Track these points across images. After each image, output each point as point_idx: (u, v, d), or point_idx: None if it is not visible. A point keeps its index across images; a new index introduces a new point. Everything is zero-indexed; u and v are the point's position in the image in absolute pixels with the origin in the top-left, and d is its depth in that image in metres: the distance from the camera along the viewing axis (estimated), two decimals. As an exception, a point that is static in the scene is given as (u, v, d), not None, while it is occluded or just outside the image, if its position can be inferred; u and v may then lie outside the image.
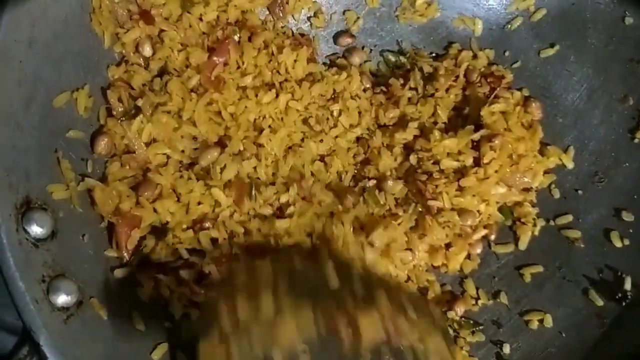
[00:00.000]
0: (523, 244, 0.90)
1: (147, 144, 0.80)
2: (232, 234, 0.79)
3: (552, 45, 0.93)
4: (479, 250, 0.89)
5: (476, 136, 0.84)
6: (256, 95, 0.85)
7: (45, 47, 0.71)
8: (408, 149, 0.90)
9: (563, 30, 0.93)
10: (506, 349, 0.85)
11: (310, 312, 0.57)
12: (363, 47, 0.98)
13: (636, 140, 0.87)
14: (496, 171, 0.84)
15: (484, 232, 0.90)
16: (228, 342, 0.57)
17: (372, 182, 0.88)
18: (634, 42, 0.87)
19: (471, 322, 0.86)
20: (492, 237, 0.91)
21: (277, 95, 0.86)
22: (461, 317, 0.86)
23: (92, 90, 0.79)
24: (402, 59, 0.97)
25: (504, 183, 0.89)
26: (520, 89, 0.91)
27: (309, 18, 0.97)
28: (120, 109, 0.81)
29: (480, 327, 0.86)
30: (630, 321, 0.80)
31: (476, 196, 0.84)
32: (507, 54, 0.96)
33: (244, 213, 0.80)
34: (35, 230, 0.65)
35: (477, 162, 0.84)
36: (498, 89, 0.89)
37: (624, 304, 0.81)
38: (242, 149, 0.83)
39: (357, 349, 0.54)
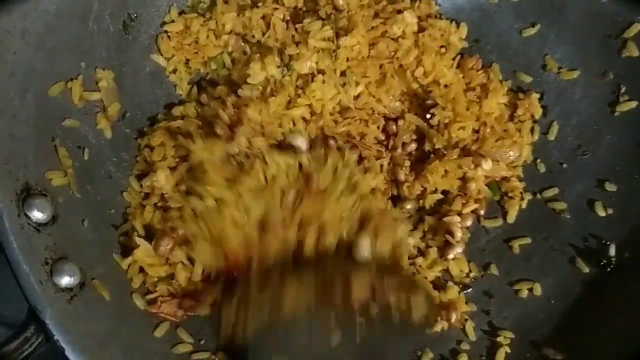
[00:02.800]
0: (511, 218, 0.93)
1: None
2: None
3: (533, 25, 0.96)
4: (469, 224, 0.92)
5: None
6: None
7: (37, 37, 0.72)
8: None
9: (543, 9, 0.95)
10: (498, 317, 0.87)
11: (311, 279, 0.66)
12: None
13: (616, 114, 0.90)
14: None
15: (474, 206, 0.92)
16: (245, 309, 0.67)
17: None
18: (609, 18, 0.89)
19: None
20: (482, 212, 0.94)
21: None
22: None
23: (85, 80, 0.80)
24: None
25: (492, 158, 0.92)
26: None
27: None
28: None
29: (468, 290, 0.89)
30: (615, 285, 0.83)
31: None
32: (490, 33, 0.98)
33: None
34: (37, 215, 0.67)
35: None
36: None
37: (608, 269, 0.84)
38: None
39: (348, 306, 0.64)
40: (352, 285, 0.65)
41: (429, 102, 0.94)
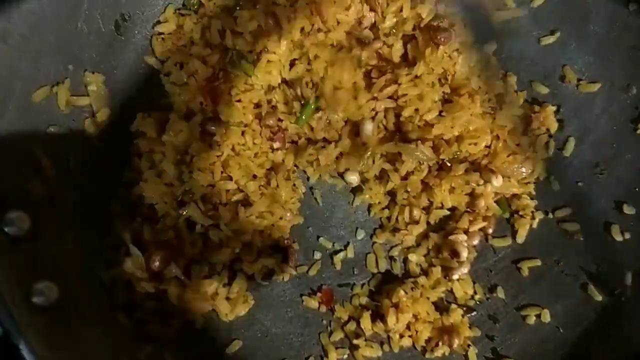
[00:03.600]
0: (521, 238, 0.89)
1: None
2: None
3: (552, 32, 0.90)
4: (476, 242, 0.88)
5: None
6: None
7: (21, 39, 0.69)
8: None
9: (564, 16, 0.89)
10: (503, 344, 0.84)
11: None
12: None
13: (638, 131, 0.85)
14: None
15: (482, 224, 0.88)
16: None
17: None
18: (637, 28, 0.83)
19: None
20: (490, 230, 0.89)
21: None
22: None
23: (73, 84, 0.76)
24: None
25: (502, 174, 0.87)
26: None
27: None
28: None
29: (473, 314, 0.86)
30: (630, 316, 0.79)
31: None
32: (507, 40, 0.92)
33: None
34: (14, 230, 0.64)
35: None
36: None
37: (623, 299, 0.80)
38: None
39: None
40: None
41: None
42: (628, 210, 0.83)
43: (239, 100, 0.85)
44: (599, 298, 0.81)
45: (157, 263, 0.75)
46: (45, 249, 0.67)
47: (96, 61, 0.80)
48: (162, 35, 0.85)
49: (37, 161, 0.70)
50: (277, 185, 0.87)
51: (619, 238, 0.83)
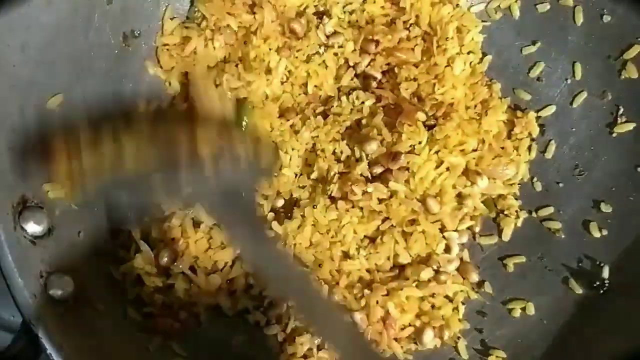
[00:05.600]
0: (506, 236, 0.93)
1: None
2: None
3: (533, 43, 0.96)
4: (464, 241, 0.92)
5: None
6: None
7: (37, 51, 0.73)
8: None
9: (544, 28, 0.95)
10: (491, 336, 0.87)
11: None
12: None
13: (614, 135, 0.90)
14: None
15: (469, 222, 0.93)
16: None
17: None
18: (611, 39, 0.89)
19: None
20: (477, 228, 0.94)
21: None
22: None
23: (84, 92, 0.81)
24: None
25: (488, 175, 0.92)
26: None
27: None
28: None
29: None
30: (608, 308, 0.83)
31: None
32: (491, 50, 0.97)
33: None
34: (33, 228, 0.68)
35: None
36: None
37: (601, 291, 0.84)
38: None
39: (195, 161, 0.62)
40: (198, 140, 0.63)
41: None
42: (605, 208, 0.88)
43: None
44: (580, 291, 0.86)
45: (165, 259, 0.79)
46: (62, 245, 0.71)
47: (105, 71, 0.84)
48: (167, 47, 0.90)
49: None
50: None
51: (597, 235, 0.88)
